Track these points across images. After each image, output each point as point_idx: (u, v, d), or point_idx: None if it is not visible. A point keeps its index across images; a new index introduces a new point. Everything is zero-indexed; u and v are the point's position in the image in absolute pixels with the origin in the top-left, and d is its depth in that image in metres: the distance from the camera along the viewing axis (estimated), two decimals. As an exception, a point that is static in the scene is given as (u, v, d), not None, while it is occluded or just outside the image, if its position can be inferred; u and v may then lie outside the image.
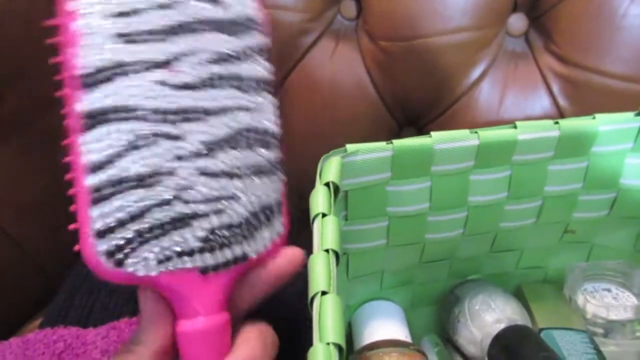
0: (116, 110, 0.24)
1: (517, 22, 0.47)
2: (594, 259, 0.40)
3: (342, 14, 0.50)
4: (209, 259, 0.25)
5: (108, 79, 0.24)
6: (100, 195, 0.23)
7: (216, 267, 0.25)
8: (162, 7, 0.25)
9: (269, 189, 0.27)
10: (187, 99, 0.25)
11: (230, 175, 0.26)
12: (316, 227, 0.25)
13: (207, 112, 0.26)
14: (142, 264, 0.24)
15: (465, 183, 0.33)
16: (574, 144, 0.33)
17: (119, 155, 0.24)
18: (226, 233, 0.26)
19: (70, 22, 0.24)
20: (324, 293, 0.23)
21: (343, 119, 0.51)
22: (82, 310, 0.44)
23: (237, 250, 0.26)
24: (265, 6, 0.50)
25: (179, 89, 0.25)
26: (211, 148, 0.26)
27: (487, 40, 0.47)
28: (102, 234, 0.23)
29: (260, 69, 0.28)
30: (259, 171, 0.27)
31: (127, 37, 0.24)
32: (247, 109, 0.27)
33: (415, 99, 0.49)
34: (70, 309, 0.44)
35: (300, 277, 0.42)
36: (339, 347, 0.21)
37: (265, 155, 0.27)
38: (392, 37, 0.47)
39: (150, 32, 0.25)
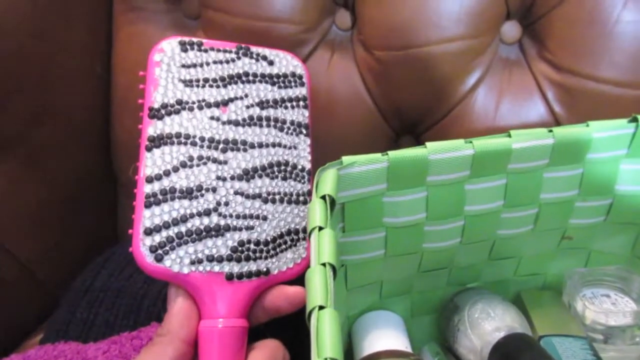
0: (175, 136, 0.30)
1: (511, 29, 0.48)
2: (592, 265, 0.40)
3: (337, 24, 0.50)
4: (235, 267, 0.29)
5: (171, 113, 0.30)
6: (152, 200, 0.29)
7: (240, 276, 0.29)
8: (220, 62, 0.33)
9: (296, 217, 0.32)
10: (232, 133, 0.31)
11: (263, 199, 0.31)
12: (313, 240, 0.26)
13: (249, 145, 0.31)
14: (177, 261, 0.28)
15: (461, 192, 0.33)
16: (568, 151, 0.33)
17: (172, 171, 0.29)
18: (254, 247, 0.30)
19: (153, 68, 0.31)
20: (321, 308, 0.23)
21: (340, 129, 0.51)
22: (82, 324, 0.44)
23: (262, 265, 0.30)
24: (261, 19, 0.51)
25: (227, 124, 0.31)
26: (249, 174, 0.31)
27: (481, 48, 0.47)
28: (149, 231, 0.28)
29: (299, 114, 0.34)
30: (289, 200, 0.32)
31: (189, 83, 0.31)
32: (284, 147, 0.33)
33: (412, 107, 0.50)
34: (70, 323, 0.44)
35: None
36: (337, 362, 0.21)
37: (296, 187, 0.32)
38: (387, 46, 0.48)
39: (207, 80, 0.32)
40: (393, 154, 0.30)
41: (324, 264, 0.24)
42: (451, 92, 0.48)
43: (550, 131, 0.32)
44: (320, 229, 0.26)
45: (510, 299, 0.39)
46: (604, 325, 0.36)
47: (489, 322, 0.35)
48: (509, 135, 0.32)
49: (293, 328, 0.40)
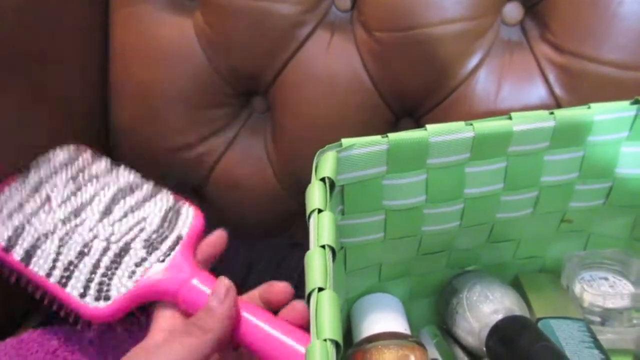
0: (38, 246, 0.36)
1: (513, 10, 0.47)
2: (591, 248, 0.40)
3: (337, 5, 0.50)
4: (159, 254, 0.35)
5: (19, 236, 0.36)
6: (65, 278, 0.34)
7: (166, 256, 0.35)
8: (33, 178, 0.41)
9: (154, 208, 0.38)
10: (70, 208, 0.38)
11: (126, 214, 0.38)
12: (312, 223, 0.26)
13: (81, 212, 0.38)
14: (118, 286, 0.34)
15: (461, 175, 0.33)
16: (569, 134, 0.33)
17: (56, 255, 0.36)
18: (154, 236, 0.36)
19: None
20: (320, 289, 0.23)
21: (339, 111, 0.50)
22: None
23: (170, 239, 0.36)
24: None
25: (60, 207, 0.38)
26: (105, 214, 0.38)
27: (482, 29, 0.46)
28: (83, 294, 0.34)
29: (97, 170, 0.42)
30: (143, 200, 0.39)
31: (19, 210, 0.38)
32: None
33: (412, 90, 0.49)
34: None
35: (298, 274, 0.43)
36: (335, 343, 0.21)
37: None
38: (387, 28, 0.47)
39: (28, 198, 0.39)
40: (393, 136, 0.30)
41: (323, 246, 0.24)
42: (452, 74, 0.47)
43: (552, 113, 0.32)
44: (320, 211, 0.26)
45: (509, 282, 0.39)
46: (602, 307, 0.36)
47: (487, 305, 0.35)
48: (510, 118, 0.31)
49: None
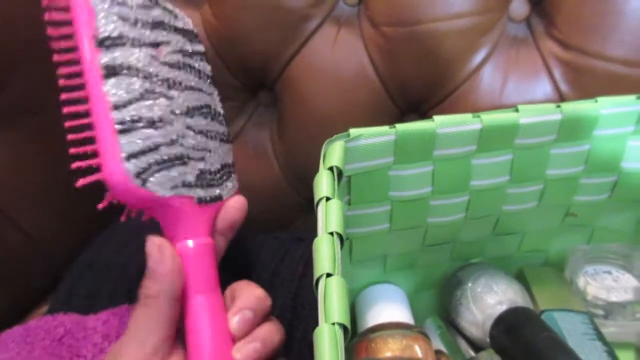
0: (126, 67, 0.30)
1: (519, 7, 0.47)
2: (595, 242, 0.40)
3: (344, -1, 0.50)
4: (201, 192, 0.32)
5: (117, 45, 0.30)
6: (126, 127, 0.29)
7: (207, 200, 0.32)
8: (141, 6, 0.32)
9: (227, 153, 0.36)
10: (170, 73, 0.33)
11: (204, 134, 0.34)
12: (320, 210, 0.26)
13: (184, 87, 0.33)
14: (161, 185, 0.30)
15: (468, 167, 0.33)
16: (575, 127, 0.33)
17: (135, 101, 0.30)
18: (209, 176, 0.33)
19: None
20: (328, 275, 0.23)
21: (345, 106, 0.51)
22: (86, 298, 0.44)
23: (217, 191, 0.34)
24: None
25: (163, 64, 0.32)
26: (190, 112, 0.33)
27: (488, 25, 0.47)
28: (131, 157, 0.29)
29: (206, 67, 0.37)
30: (220, 138, 0.36)
31: (124, 19, 0.31)
32: (205, 92, 0.36)
33: (417, 85, 0.49)
34: (74, 296, 0.45)
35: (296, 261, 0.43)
36: (344, 327, 0.21)
37: (220, 127, 0.36)
38: (394, 22, 0.47)
39: (137, 20, 0.32)
40: (400, 127, 0.30)
41: (331, 234, 0.25)
42: (457, 70, 0.48)
43: (558, 107, 0.32)
44: (328, 199, 0.26)
45: (513, 275, 0.39)
46: (605, 301, 0.36)
47: (492, 296, 0.35)
48: (517, 110, 0.31)
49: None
